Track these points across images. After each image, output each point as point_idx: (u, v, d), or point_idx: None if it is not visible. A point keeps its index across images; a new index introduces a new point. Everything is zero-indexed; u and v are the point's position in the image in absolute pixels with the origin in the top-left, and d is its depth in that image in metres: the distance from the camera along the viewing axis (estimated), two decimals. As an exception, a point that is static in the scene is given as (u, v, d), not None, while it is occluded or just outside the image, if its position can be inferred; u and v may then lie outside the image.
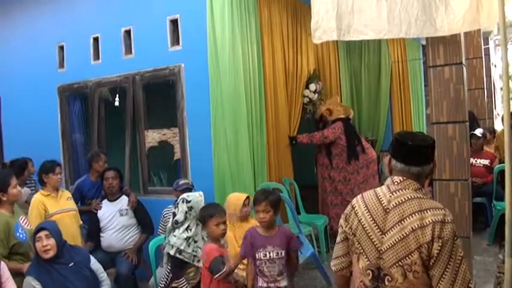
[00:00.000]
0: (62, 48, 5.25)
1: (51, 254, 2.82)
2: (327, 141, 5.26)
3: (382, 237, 1.75)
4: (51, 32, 5.26)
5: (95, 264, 3.11)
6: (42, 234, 2.83)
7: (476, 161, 5.42)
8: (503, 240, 2.52)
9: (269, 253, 2.72)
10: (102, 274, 3.14)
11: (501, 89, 10.75)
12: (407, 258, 1.69)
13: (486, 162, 5.46)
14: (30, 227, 3.30)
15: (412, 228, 1.68)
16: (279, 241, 2.74)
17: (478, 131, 5.56)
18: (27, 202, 4.18)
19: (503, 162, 2.56)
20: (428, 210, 1.69)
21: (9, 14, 5.65)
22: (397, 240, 1.71)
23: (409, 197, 1.74)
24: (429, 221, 1.66)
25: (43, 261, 2.83)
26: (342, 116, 5.36)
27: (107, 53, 4.87)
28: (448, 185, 2.94)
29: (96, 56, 4.95)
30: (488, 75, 8.70)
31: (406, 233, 1.69)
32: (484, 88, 7.20)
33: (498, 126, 7.76)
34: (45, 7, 5.31)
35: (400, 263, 1.70)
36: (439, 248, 1.64)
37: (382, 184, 1.89)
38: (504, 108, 2.63)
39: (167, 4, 4.42)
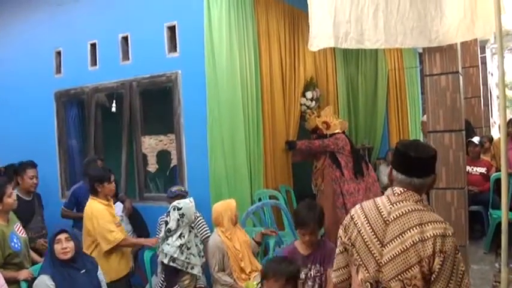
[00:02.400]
0: (59, 53, 5.25)
1: (69, 255, 2.82)
2: (327, 150, 5.19)
3: (382, 250, 1.71)
4: (48, 38, 5.26)
5: (101, 275, 3.10)
6: (62, 236, 2.82)
7: (472, 169, 5.40)
8: (500, 249, 2.51)
9: (310, 271, 2.67)
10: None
11: (497, 97, 10.77)
12: (407, 272, 1.65)
13: (483, 170, 5.44)
14: (25, 235, 3.27)
15: (412, 241, 1.64)
16: (319, 258, 2.67)
17: (476, 139, 5.54)
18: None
19: (500, 171, 2.56)
20: (429, 224, 1.66)
21: (5, 19, 5.64)
22: (397, 253, 1.67)
23: (410, 209, 1.70)
24: (430, 235, 1.63)
25: (58, 261, 2.81)
26: (339, 131, 5.28)
27: (104, 59, 4.87)
28: (444, 193, 2.94)
29: (93, 62, 4.95)
30: (485, 84, 8.70)
31: (406, 247, 1.65)
32: (480, 96, 7.18)
33: (495, 134, 7.77)
34: (42, 13, 5.30)
35: (400, 276, 1.66)
36: (440, 262, 1.61)
37: (383, 193, 1.86)
38: (500, 117, 2.64)
39: (165, 11, 4.43)
